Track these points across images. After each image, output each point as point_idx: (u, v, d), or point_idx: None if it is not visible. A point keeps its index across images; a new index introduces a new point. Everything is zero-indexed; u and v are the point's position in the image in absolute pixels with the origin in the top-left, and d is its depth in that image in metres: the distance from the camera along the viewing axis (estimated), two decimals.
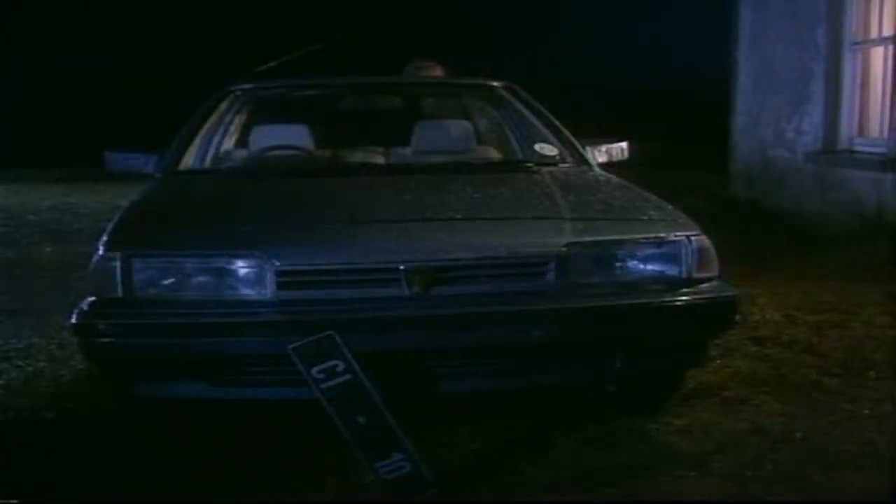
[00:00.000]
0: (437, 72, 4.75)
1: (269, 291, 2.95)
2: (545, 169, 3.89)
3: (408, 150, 4.58)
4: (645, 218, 3.19)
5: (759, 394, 3.41)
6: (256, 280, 2.97)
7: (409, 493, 2.58)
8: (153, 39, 13.82)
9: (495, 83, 4.62)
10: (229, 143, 4.64)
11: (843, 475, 2.66)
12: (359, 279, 2.98)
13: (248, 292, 2.98)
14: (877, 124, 5.99)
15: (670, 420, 3.14)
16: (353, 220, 3.21)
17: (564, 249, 3.00)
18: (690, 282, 3.00)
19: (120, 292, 2.98)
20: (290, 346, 2.70)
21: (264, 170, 4.09)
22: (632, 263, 3.03)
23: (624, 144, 4.31)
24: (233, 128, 4.68)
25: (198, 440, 3.01)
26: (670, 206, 3.29)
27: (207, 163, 4.28)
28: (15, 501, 2.55)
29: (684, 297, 2.95)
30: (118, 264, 2.99)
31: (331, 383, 2.67)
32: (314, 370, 2.68)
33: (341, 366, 2.68)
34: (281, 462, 2.82)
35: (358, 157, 4.49)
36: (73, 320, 3.02)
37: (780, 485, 2.64)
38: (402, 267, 2.93)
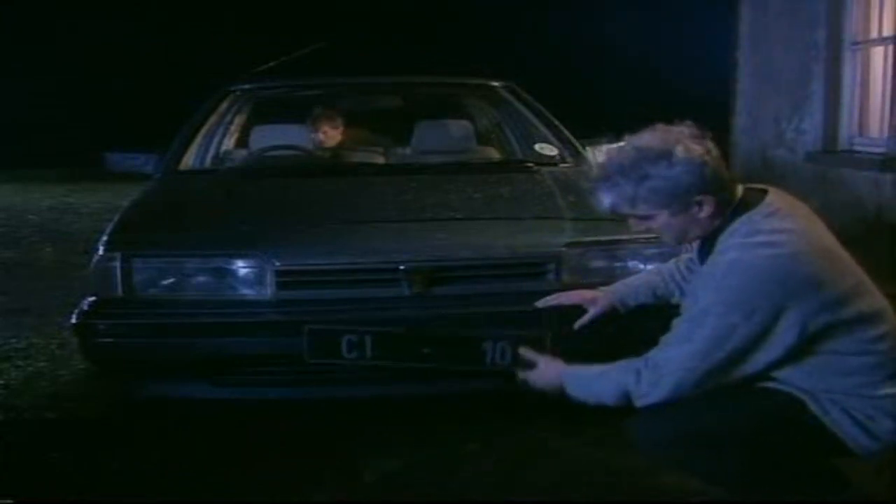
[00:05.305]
0: (335, 122, 4.77)
1: (269, 291, 2.95)
2: (545, 169, 3.89)
3: (408, 150, 4.58)
4: None
5: None
6: (256, 280, 2.97)
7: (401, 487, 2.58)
8: (153, 39, 13.83)
9: (495, 83, 4.62)
10: (229, 143, 4.64)
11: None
12: (359, 279, 2.99)
13: (248, 292, 2.98)
14: (877, 124, 5.98)
15: None
16: (353, 220, 3.21)
17: (564, 249, 3.00)
18: None
19: (120, 292, 2.99)
20: (305, 355, 2.70)
21: (264, 170, 4.09)
22: (632, 263, 3.03)
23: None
24: (233, 128, 4.68)
25: (197, 440, 3.01)
26: None
27: (207, 163, 4.29)
28: (9, 501, 2.55)
29: None
30: (118, 264, 2.99)
31: (371, 355, 2.61)
32: (345, 358, 2.63)
33: (354, 338, 2.63)
34: (281, 462, 2.81)
35: (358, 157, 4.49)
36: (74, 320, 3.02)
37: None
38: (402, 267, 2.93)
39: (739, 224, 2.04)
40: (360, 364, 2.63)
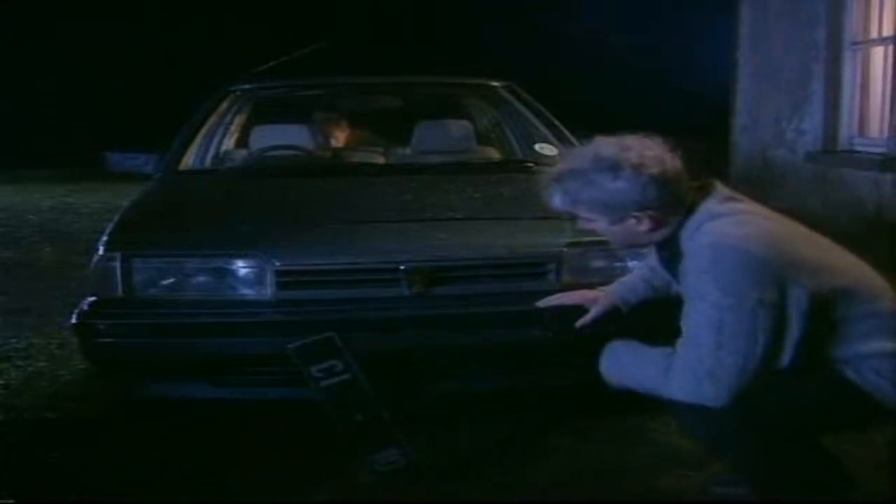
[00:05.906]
0: (341, 126, 4.82)
1: (269, 291, 2.95)
2: (545, 169, 3.88)
3: (408, 150, 4.58)
4: None
5: None
6: (256, 280, 2.97)
7: (402, 486, 2.60)
8: (153, 39, 13.82)
9: (495, 83, 4.62)
10: (229, 143, 4.65)
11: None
12: (359, 279, 2.99)
13: (248, 292, 2.98)
14: (877, 124, 5.98)
15: (670, 419, 3.13)
16: (353, 220, 3.22)
17: (565, 249, 3.00)
18: None
19: (120, 292, 2.99)
20: (290, 346, 2.71)
21: (264, 170, 4.10)
22: (632, 263, 3.02)
23: None
24: (233, 128, 4.68)
25: (197, 440, 3.01)
26: None
27: (207, 163, 4.29)
28: (11, 501, 2.55)
29: None
30: (118, 264, 2.99)
31: (330, 382, 2.68)
32: (314, 369, 2.69)
33: (340, 366, 2.69)
34: (281, 462, 2.81)
35: (358, 157, 4.50)
36: (74, 320, 3.02)
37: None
38: (402, 267, 2.93)
39: (698, 216, 2.07)
40: (316, 383, 2.70)
